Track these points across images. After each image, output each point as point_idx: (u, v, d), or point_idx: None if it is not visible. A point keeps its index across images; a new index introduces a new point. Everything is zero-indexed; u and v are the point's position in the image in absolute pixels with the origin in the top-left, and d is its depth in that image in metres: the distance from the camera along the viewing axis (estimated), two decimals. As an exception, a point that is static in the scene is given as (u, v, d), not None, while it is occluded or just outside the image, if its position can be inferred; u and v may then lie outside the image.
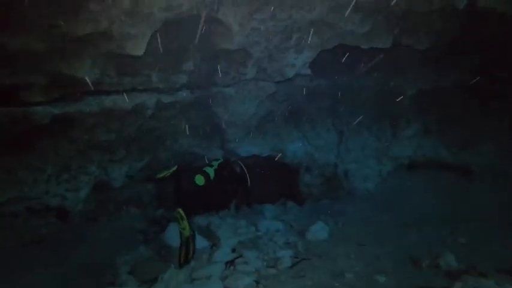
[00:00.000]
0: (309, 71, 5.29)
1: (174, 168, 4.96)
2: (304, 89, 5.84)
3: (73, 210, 4.75)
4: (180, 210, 4.41)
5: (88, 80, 3.82)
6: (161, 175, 4.89)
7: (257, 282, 3.91)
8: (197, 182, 4.81)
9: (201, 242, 4.95)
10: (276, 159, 6.66)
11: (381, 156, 6.36)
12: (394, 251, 4.45)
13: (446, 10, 3.98)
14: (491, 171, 5.49)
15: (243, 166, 6.18)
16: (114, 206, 5.63)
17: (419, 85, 5.64)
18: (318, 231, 5.05)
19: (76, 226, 5.17)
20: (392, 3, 4.19)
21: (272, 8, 4.13)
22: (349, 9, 4.39)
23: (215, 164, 5.66)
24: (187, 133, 5.97)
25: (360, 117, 6.46)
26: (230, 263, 4.38)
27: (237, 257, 4.51)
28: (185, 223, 4.38)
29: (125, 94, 4.43)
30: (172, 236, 5.06)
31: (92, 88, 4.07)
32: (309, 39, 4.73)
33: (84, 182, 4.76)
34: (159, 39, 4.08)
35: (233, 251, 4.75)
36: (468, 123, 5.71)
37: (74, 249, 4.68)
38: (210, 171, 5.37)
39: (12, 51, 3.02)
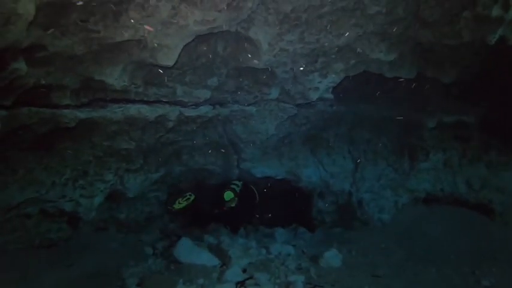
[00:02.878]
0: (331, 96, 5.31)
1: (192, 198, 5.43)
2: (324, 114, 5.85)
3: (85, 217, 4.71)
4: (191, 196, 5.29)
5: (116, 87, 3.88)
6: (180, 205, 5.36)
7: (269, 305, 3.77)
8: (226, 197, 5.28)
9: (211, 260, 4.84)
10: (290, 183, 6.61)
11: (398, 188, 6.23)
12: (411, 286, 4.28)
13: (475, 44, 4.00)
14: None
15: (253, 188, 6.28)
16: (125, 217, 5.56)
17: (440, 118, 5.60)
18: (332, 258, 4.90)
19: (86, 234, 5.11)
20: (421, 34, 4.26)
21: (301, 30, 4.21)
22: (377, 38, 4.47)
23: (239, 184, 5.84)
24: (205, 149, 5.99)
25: (378, 147, 6.44)
26: (241, 283, 4.25)
27: (248, 278, 4.38)
28: (184, 203, 5.23)
29: (148, 104, 4.51)
30: (182, 251, 4.97)
31: (119, 95, 4.16)
32: (334, 64, 4.79)
33: (100, 190, 4.73)
34: (188, 53, 4.18)
35: (244, 271, 4.61)
36: (491, 159, 5.60)
37: (82, 257, 4.60)
38: (236, 190, 5.57)
39: (52, 53, 3.10)
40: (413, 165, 6.12)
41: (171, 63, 3.84)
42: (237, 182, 6.10)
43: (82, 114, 3.93)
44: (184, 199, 5.49)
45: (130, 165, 4.97)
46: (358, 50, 4.47)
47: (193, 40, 3.92)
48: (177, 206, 5.41)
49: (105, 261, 4.69)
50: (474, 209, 5.67)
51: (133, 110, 4.33)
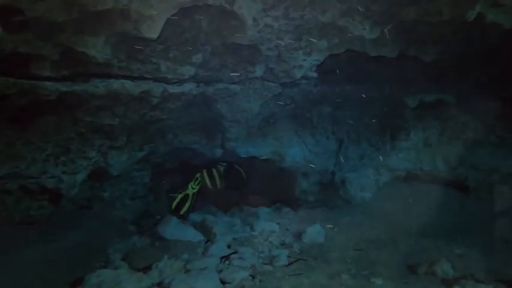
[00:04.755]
0: (315, 75, 5.33)
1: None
2: (308, 94, 5.90)
3: (68, 195, 4.64)
4: (205, 174, 5.66)
5: (99, 60, 3.80)
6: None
7: (253, 276, 3.85)
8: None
9: (196, 236, 4.90)
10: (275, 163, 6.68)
11: (379, 167, 6.38)
12: (390, 258, 4.44)
13: (455, 22, 4.08)
14: (487, 188, 5.53)
15: (240, 170, 6.35)
16: (109, 196, 5.52)
17: (421, 97, 5.73)
18: (315, 234, 5.02)
19: (68, 212, 5.05)
20: (404, 11, 4.31)
21: (286, 5, 4.20)
22: (361, 15, 4.51)
23: (224, 165, 5.95)
24: (189, 128, 5.96)
25: (361, 127, 6.56)
26: (225, 258, 4.33)
27: (233, 253, 4.47)
28: (196, 186, 5.50)
29: (132, 80, 4.44)
30: (167, 228, 5.00)
31: (101, 69, 4.08)
32: (319, 41, 4.81)
33: (83, 167, 4.67)
34: (172, 27, 4.12)
35: (228, 247, 4.69)
36: (468, 138, 5.79)
37: (65, 234, 4.57)
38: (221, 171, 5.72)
39: (31, 18, 2.99)
40: (394, 144, 6.27)
41: (154, 35, 3.77)
42: (222, 164, 6.17)
43: (64, 87, 3.84)
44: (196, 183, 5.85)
45: (113, 142, 4.91)
46: (342, 27, 4.48)
47: (177, 13, 3.86)
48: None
49: (88, 238, 4.68)
50: (452, 186, 5.87)
51: (116, 84, 4.25)
